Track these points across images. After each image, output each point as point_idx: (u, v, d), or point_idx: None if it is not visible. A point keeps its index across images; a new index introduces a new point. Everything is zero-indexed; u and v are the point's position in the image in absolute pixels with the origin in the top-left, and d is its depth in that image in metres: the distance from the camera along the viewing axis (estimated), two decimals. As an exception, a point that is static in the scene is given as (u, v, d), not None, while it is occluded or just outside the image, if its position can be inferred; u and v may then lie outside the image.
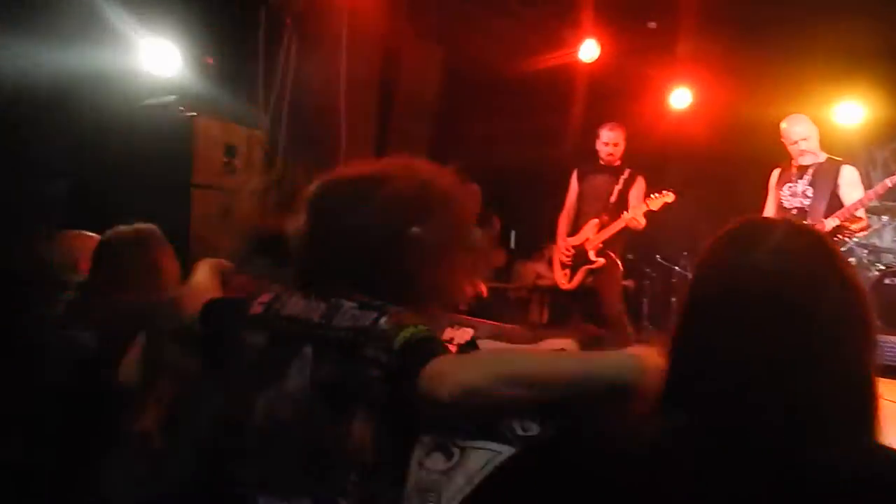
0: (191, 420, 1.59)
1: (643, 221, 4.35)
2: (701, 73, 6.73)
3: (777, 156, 4.96)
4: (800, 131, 4.14)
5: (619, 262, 4.51)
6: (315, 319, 1.24)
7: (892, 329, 5.73)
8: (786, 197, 4.20)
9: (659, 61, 6.64)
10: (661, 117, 7.09)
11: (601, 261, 4.44)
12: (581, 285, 4.52)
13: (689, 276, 0.98)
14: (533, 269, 7.70)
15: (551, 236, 5.12)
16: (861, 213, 3.93)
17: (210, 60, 4.00)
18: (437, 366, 1.11)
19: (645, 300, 7.39)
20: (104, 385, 1.87)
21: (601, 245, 4.45)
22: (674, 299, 7.23)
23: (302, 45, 4.38)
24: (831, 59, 6.03)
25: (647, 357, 1.14)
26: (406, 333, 1.16)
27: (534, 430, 1.12)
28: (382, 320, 1.18)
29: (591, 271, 4.48)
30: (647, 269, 7.41)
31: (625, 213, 4.36)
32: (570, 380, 1.13)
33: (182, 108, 3.74)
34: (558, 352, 1.36)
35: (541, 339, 1.56)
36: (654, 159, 6.71)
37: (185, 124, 3.62)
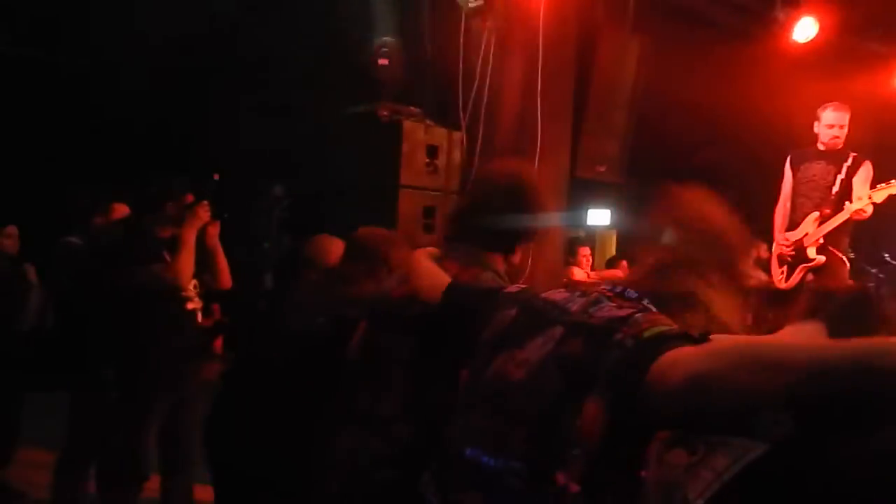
0: (423, 396, 1.71)
1: (869, 212, 3.97)
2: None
3: None
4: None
5: (844, 260, 4.14)
6: (573, 308, 1.29)
7: None
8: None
9: (883, 35, 5.99)
10: (886, 97, 6.37)
11: (822, 258, 4.10)
12: (798, 285, 4.18)
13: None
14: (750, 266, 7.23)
15: (760, 232, 4.78)
16: None
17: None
18: (672, 354, 1.09)
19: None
20: (336, 363, 2.05)
21: (822, 241, 4.11)
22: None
23: (499, 46, 4.50)
24: None
25: None
26: (659, 328, 1.16)
27: (788, 426, 1.03)
28: (639, 315, 1.19)
29: (811, 270, 4.13)
30: (874, 270, 6.66)
31: (848, 203, 3.96)
32: (828, 367, 0.99)
33: (387, 114, 4.00)
34: (803, 338, 1.27)
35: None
36: (879, 144, 6.06)
37: (392, 128, 3.88)
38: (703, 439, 1.10)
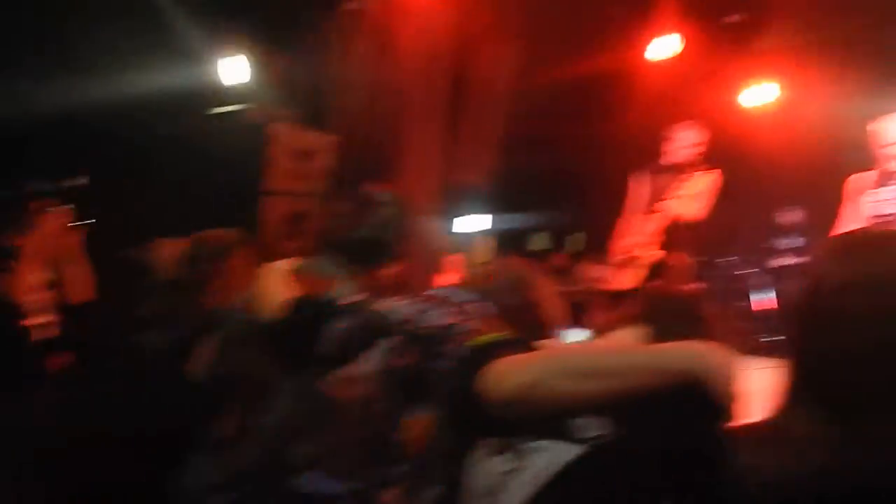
0: (263, 417, 1.67)
1: (693, 212, 4.25)
2: (786, 68, 6.54)
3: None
4: (891, 134, 3.94)
5: (680, 263, 4.39)
6: (408, 317, 1.30)
7: None
8: (870, 204, 4.01)
9: (737, 57, 6.49)
10: (734, 115, 6.92)
11: (658, 255, 4.38)
12: (640, 286, 4.42)
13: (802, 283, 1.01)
14: (592, 272, 7.62)
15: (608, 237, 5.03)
16: None
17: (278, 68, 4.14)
18: (498, 364, 1.13)
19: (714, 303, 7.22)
20: (176, 384, 1.97)
21: (659, 241, 4.38)
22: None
23: (376, 50, 4.49)
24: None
25: (714, 349, 1.14)
26: (490, 336, 1.20)
27: (602, 428, 1.12)
28: (471, 321, 1.23)
29: (650, 271, 4.40)
30: (704, 271, 7.23)
31: (667, 203, 4.27)
32: (635, 371, 1.11)
33: (254, 116, 3.89)
34: (622, 345, 1.36)
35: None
36: (722, 158, 6.56)
37: (257, 131, 3.77)
38: (523, 445, 1.14)
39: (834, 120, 6.73)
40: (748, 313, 6.86)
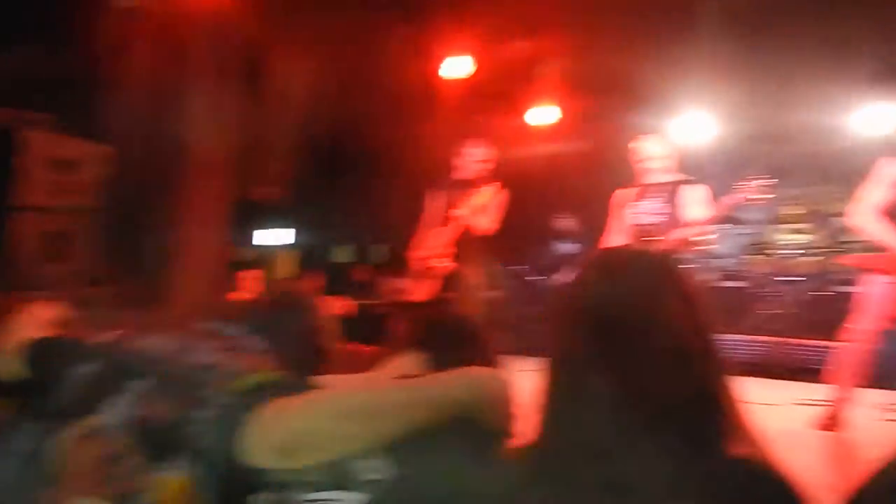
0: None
1: (483, 224, 4.38)
2: (567, 90, 7.02)
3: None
4: (650, 150, 4.33)
5: (472, 273, 4.50)
6: (165, 356, 1.14)
7: (729, 328, 6.31)
8: (635, 215, 4.37)
9: (525, 78, 6.84)
10: (523, 133, 7.34)
11: (449, 266, 4.45)
12: (436, 298, 4.50)
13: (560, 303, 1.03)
14: (395, 285, 7.70)
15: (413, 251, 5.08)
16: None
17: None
18: (269, 409, 1.03)
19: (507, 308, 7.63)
20: None
21: (450, 253, 4.46)
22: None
23: (154, 53, 4.12)
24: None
25: (488, 375, 1.13)
26: (256, 377, 1.08)
27: (381, 472, 1.05)
28: (235, 361, 1.11)
29: (444, 282, 4.48)
30: (511, 280, 7.67)
31: (460, 217, 4.38)
32: (412, 407, 1.06)
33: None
34: (398, 379, 1.29)
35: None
36: (518, 175, 6.94)
37: (5, 138, 3.26)
38: (300, 499, 1.03)
39: (604, 139, 7.43)
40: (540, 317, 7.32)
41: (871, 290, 3.65)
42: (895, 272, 3.56)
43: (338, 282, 7.80)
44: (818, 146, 7.46)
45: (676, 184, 4.28)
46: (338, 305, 5.97)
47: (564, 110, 7.14)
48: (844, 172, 7.41)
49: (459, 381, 1.11)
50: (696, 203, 4.19)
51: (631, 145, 4.47)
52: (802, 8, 5.30)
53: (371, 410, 1.04)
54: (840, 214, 7.30)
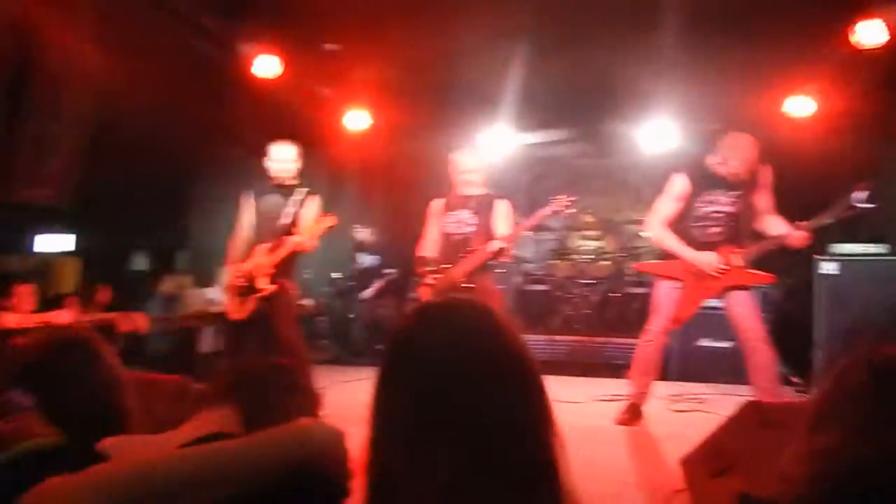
0: None
1: (311, 245, 4.21)
2: (378, 96, 6.96)
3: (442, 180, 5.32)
4: (469, 163, 4.45)
5: (291, 288, 4.30)
6: None
7: (534, 329, 6.65)
8: (450, 224, 4.46)
9: (337, 83, 6.71)
10: (338, 138, 7.19)
11: (272, 287, 4.19)
12: (254, 314, 4.23)
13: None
14: (203, 296, 7.17)
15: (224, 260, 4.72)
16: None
17: None
18: (39, 489, 0.83)
19: (325, 319, 7.43)
20: None
21: (273, 270, 4.21)
22: (352, 316, 7.43)
23: None
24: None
25: (318, 429, 1.01)
26: (26, 446, 0.89)
27: None
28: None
29: (263, 299, 4.22)
30: (326, 289, 7.48)
31: (290, 237, 4.16)
32: (223, 480, 0.91)
33: None
34: (208, 445, 1.08)
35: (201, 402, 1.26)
36: (332, 180, 6.78)
37: None
38: None
39: (420, 147, 7.52)
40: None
41: (661, 294, 3.97)
42: (681, 278, 3.90)
43: (138, 294, 7.08)
44: (609, 159, 8.14)
45: (487, 197, 4.45)
46: (136, 322, 5.39)
47: (377, 117, 7.07)
48: (632, 184, 8.22)
49: (285, 440, 0.97)
50: (503, 216, 4.39)
51: (450, 157, 4.54)
52: (593, 29, 5.64)
53: (173, 490, 0.87)
54: (629, 222, 8.08)
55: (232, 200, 4.76)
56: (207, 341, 6.88)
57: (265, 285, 4.19)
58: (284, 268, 4.25)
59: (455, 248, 4.40)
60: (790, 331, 5.22)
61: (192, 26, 5.11)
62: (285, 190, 4.35)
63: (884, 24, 4.75)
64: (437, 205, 4.60)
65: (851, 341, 5.20)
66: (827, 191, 4.99)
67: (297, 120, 6.33)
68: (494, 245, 4.19)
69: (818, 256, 5.19)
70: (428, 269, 4.48)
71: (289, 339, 4.16)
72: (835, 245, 5.30)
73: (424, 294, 4.50)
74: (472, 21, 5.42)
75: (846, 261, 5.29)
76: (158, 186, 7.11)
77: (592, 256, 7.29)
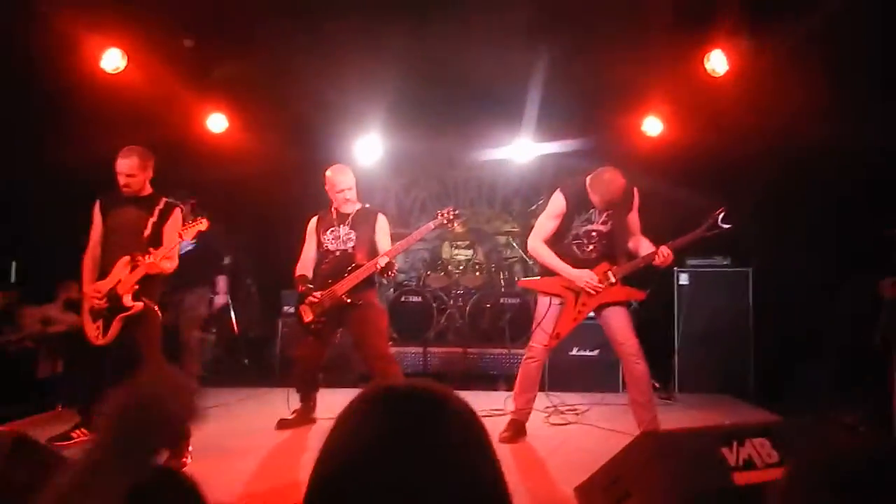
0: None
1: (169, 266, 3.91)
2: (239, 98, 6.60)
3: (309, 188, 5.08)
4: (345, 180, 4.39)
5: (156, 309, 3.94)
6: None
7: (410, 341, 6.57)
8: (329, 240, 4.39)
9: (196, 82, 6.30)
10: (199, 141, 6.73)
11: (139, 305, 3.83)
12: (117, 337, 3.85)
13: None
14: (40, 314, 6.41)
15: (67, 272, 4.22)
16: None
17: None
18: None
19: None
20: None
21: (136, 287, 3.84)
22: (214, 331, 6.96)
23: None
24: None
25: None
26: None
27: None
28: None
29: (127, 321, 3.84)
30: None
31: (147, 256, 3.81)
32: None
33: None
34: None
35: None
36: (193, 185, 6.30)
37: None
38: None
39: (283, 156, 7.20)
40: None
41: (541, 310, 4.01)
42: (561, 294, 3.96)
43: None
44: (478, 171, 8.25)
45: (365, 211, 4.43)
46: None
47: (233, 121, 6.72)
48: (500, 195, 8.38)
49: None
50: (383, 230, 4.37)
51: (326, 174, 4.46)
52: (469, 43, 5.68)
53: None
54: (499, 233, 8.23)
55: (73, 208, 4.28)
56: (46, 366, 6.18)
57: (130, 304, 3.84)
58: (148, 285, 3.90)
59: (336, 264, 4.31)
60: (654, 338, 5.49)
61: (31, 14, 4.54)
62: (142, 200, 4.00)
63: (723, 55, 5.11)
64: (313, 222, 4.52)
65: (703, 347, 5.62)
66: (682, 208, 5.38)
67: (152, 122, 5.83)
68: (381, 261, 4.13)
69: (678, 269, 5.55)
70: (309, 286, 4.35)
71: (153, 362, 3.81)
72: (690, 259, 5.68)
73: (306, 313, 4.34)
74: (348, 20, 5.28)
75: (697, 272, 5.70)
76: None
77: (464, 267, 7.30)
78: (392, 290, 7.24)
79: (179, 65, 5.90)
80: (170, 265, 3.93)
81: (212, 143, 6.85)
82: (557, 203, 3.98)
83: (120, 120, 5.51)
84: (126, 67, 5.49)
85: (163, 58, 5.70)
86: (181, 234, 3.88)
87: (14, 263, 7.44)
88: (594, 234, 3.96)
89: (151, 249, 3.86)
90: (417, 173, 8.44)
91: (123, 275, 3.85)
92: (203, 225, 3.94)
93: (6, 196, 6.67)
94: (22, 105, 5.43)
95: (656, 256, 3.81)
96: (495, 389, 5.88)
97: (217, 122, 6.72)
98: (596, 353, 5.65)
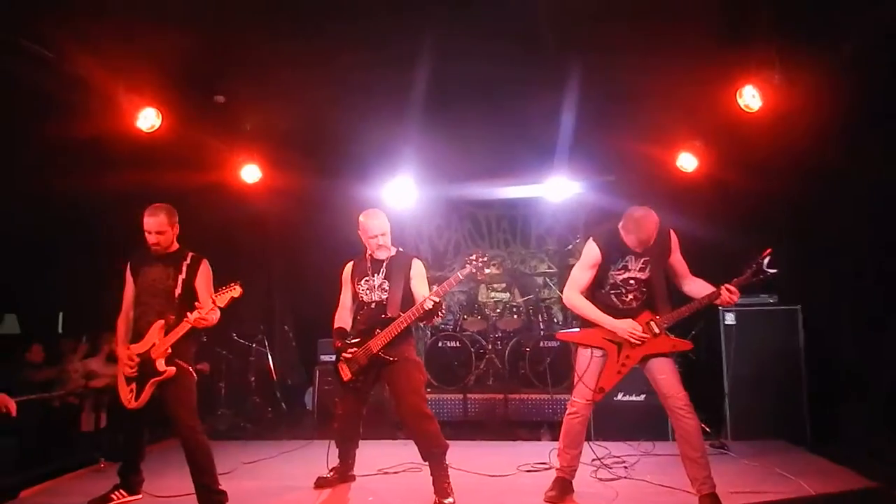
0: None
1: (214, 318, 3.87)
2: (269, 149, 6.66)
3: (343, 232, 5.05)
4: (378, 225, 4.23)
5: (190, 370, 3.91)
6: None
7: (449, 388, 6.43)
8: (364, 291, 4.25)
9: (227, 136, 6.38)
10: (230, 193, 6.79)
11: (171, 370, 3.81)
12: (151, 400, 3.84)
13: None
14: (84, 368, 6.44)
15: (106, 324, 4.23)
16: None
17: None
18: None
19: (222, 384, 6.89)
20: None
21: (170, 351, 3.82)
22: (252, 378, 6.93)
23: None
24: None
25: None
26: None
27: None
28: None
29: (160, 384, 3.82)
30: (223, 351, 6.92)
31: (189, 314, 3.80)
32: None
33: None
34: None
35: None
36: (222, 239, 6.34)
37: None
38: None
39: (315, 203, 7.22)
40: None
41: (582, 363, 3.84)
42: (602, 346, 3.79)
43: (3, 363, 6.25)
44: (511, 210, 8.16)
45: (400, 257, 4.27)
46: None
47: (267, 169, 6.76)
48: (534, 234, 8.26)
49: None
50: (420, 276, 4.21)
51: (359, 219, 4.31)
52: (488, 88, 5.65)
53: None
54: (535, 274, 8.09)
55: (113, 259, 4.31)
56: (89, 419, 6.20)
57: (163, 368, 3.81)
58: (181, 346, 3.86)
59: (370, 317, 4.16)
60: (702, 384, 5.31)
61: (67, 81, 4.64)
62: (169, 257, 3.99)
63: (756, 90, 4.94)
64: (348, 269, 4.38)
65: (754, 391, 5.37)
66: (724, 248, 5.22)
67: (184, 175, 5.90)
68: (428, 303, 3.91)
69: (723, 308, 5.32)
70: (346, 342, 4.20)
71: (187, 426, 3.80)
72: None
73: (344, 371, 4.20)
74: (371, 66, 5.28)
75: (743, 311, 5.47)
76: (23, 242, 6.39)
77: (501, 310, 7.16)
78: (430, 334, 7.13)
79: (211, 120, 5.99)
80: (215, 316, 3.86)
81: (247, 193, 6.89)
82: (591, 252, 3.83)
83: (156, 175, 5.60)
84: (161, 125, 5.55)
85: (195, 114, 5.76)
86: (214, 299, 3.82)
87: (61, 314, 7.54)
88: (632, 281, 3.79)
89: (196, 305, 3.83)
90: (450, 214, 8.39)
91: (157, 338, 3.84)
92: (236, 291, 3.87)
93: (51, 245, 6.77)
94: (60, 159, 5.56)
95: (720, 296, 3.62)
96: (538, 439, 5.72)
97: (251, 173, 6.75)
98: (642, 398, 5.41)
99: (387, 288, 4.17)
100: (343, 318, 4.32)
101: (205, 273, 3.98)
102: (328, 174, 7.05)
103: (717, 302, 3.67)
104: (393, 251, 4.28)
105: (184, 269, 3.95)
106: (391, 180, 7.15)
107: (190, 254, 4.02)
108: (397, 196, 7.23)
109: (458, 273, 4.01)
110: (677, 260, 3.86)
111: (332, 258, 4.81)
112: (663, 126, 6.01)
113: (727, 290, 3.61)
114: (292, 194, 7.20)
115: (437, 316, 4.01)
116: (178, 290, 3.91)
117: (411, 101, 5.72)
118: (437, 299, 3.91)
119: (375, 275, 4.22)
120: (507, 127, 6.36)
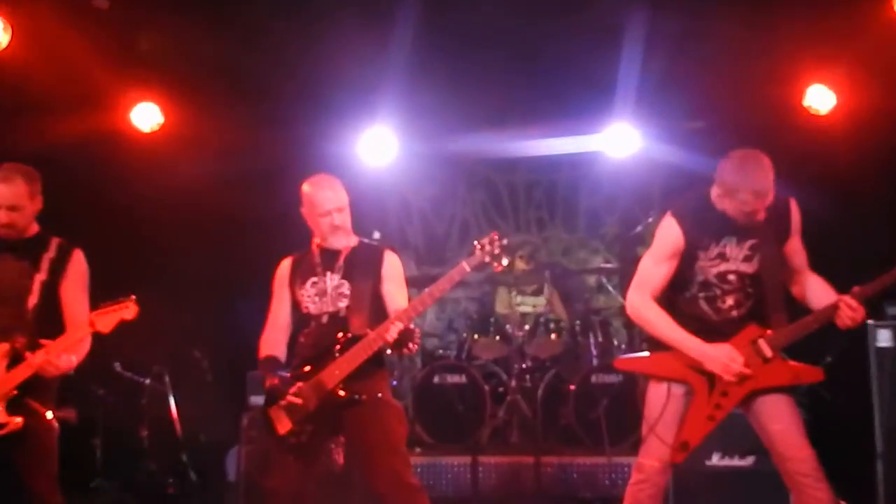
0: None
1: (74, 360, 3.95)
2: (177, 81, 6.92)
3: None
4: (332, 198, 4.20)
5: (50, 420, 3.98)
6: None
7: (450, 447, 6.45)
8: (309, 298, 4.22)
9: (111, 59, 6.49)
10: (118, 148, 6.99)
11: (18, 421, 3.83)
12: None
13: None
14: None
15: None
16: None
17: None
18: None
19: (97, 441, 6.96)
20: None
21: (15, 393, 3.86)
22: (145, 433, 6.94)
23: None
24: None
25: None
26: None
27: None
28: None
29: (2, 441, 3.82)
30: (100, 389, 6.92)
31: (31, 354, 3.83)
32: None
33: None
34: None
35: None
36: (105, 219, 6.43)
37: None
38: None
39: (251, 166, 7.29)
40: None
41: (655, 405, 3.79)
42: (686, 379, 3.73)
43: None
44: (549, 174, 8.16)
45: (366, 248, 4.33)
46: None
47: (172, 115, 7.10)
48: (584, 209, 8.26)
49: None
50: (395, 278, 4.24)
51: (304, 188, 4.29)
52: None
53: None
54: (584, 270, 8.07)
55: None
56: None
57: (4, 419, 3.83)
58: (37, 382, 3.89)
59: (321, 337, 4.14)
60: (840, 436, 5.28)
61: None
62: (23, 246, 4.05)
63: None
64: (284, 269, 4.40)
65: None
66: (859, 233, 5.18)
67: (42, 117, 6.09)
68: (392, 331, 3.90)
69: (873, 322, 5.27)
70: (282, 375, 4.15)
71: (42, 494, 3.89)
72: (891, 307, 5.42)
73: (280, 420, 4.11)
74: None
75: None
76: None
77: (531, 326, 7.14)
78: (420, 364, 7.14)
79: (88, 34, 6.11)
80: (74, 360, 3.92)
81: (143, 148, 7.03)
82: (669, 234, 3.78)
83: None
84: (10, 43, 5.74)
85: (63, 25, 5.92)
86: (93, 322, 3.88)
87: None
88: (733, 277, 3.76)
89: (46, 345, 3.84)
90: (455, 180, 8.38)
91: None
92: (129, 311, 3.95)
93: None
94: None
95: (840, 312, 3.60)
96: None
97: (146, 115, 6.91)
98: (750, 461, 5.38)
99: (346, 292, 4.16)
100: (275, 341, 4.30)
101: (77, 271, 4.07)
102: (271, 122, 7.17)
103: (838, 322, 3.65)
104: (355, 240, 4.31)
105: (45, 264, 4.00)
106: (367, 130, 7.24)
107: (55, 241, 4.08)
108: (375, 153, 7.33)
109: (463, 263, 3.98)
110: (796, 247, 3.85)
111: (277, 250, 4.73)
112: (781, 44, 6.07)
113: (846, 303, 3.59)
114: (214, 151, 7.25)
115: (408, 347, 4.00)
116: (33, 298, 3.96)
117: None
118: (402, 325, 3.90)
119: (328, 273, 4.22)
120: (543, 51, 6.48)
